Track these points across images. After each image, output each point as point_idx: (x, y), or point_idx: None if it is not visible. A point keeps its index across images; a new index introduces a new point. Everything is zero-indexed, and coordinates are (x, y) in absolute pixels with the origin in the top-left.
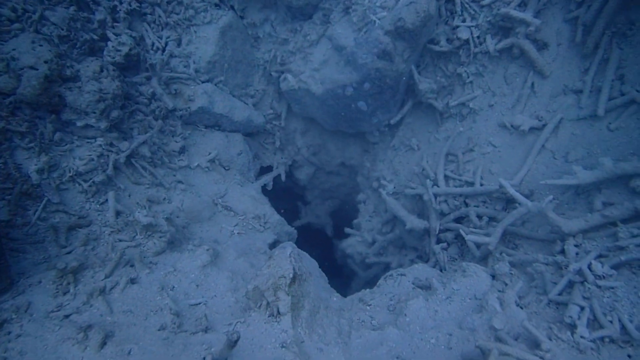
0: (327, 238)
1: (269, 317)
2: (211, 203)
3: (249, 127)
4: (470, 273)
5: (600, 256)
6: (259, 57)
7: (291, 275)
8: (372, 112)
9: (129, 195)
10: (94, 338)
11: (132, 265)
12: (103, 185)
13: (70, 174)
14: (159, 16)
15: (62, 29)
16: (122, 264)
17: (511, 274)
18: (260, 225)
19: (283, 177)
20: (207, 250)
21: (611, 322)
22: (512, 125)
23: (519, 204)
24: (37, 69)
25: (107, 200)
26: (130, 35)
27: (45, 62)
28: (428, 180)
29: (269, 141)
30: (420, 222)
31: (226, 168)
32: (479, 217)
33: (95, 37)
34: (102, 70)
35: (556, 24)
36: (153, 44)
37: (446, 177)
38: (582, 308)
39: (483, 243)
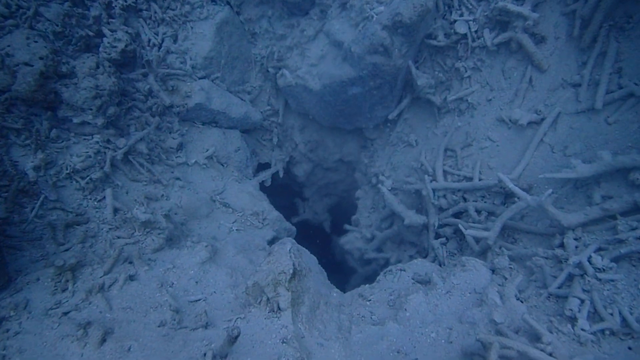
0: (325, 234)
1: (269, 312)
2: (209, 200)
3: (246, 123)
4: (469, 267)
5: (599, 249)
6: (256, 53)
7: (291, 271)
8: (370, 107)
9: (127, 192)
10: (93, 335)
11: (130, 262)
12: (100, 182)
13: (67, 171)
14: (155, 12)
15: (57, 25)
16: (120, 261)
17: (511, 268)
18: (258, 222)
19: (281, 174)
20: (206, 246)
21: (611, 314)
22: (510, 120)
23: (518, 198)
24: (32, 65)
25: (104, 197)
26: (126, 32)
27: (41, 58)
28: (426, 175)
29: (266, 138)
30: (419, 218)
31: (224, 165)
32: (478, 211)
33: (90, 33)
34: (98, 67)
35: (554, 18)
36: (149, 40)
37: (445, 172)
38: (583, 301)
39: (482, 237)
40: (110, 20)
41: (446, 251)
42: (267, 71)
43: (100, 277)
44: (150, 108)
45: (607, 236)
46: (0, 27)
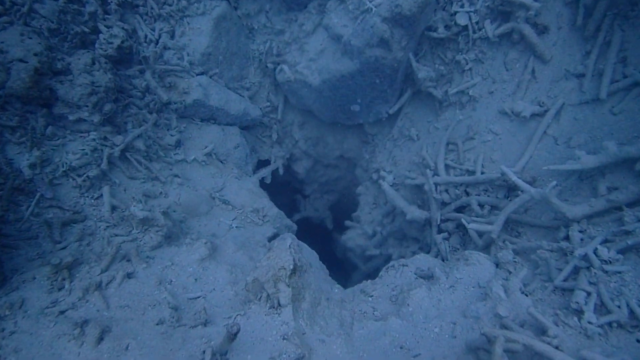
0: (326, 232)
1: (269, 309)
2: (208, 197)
3: (246, 120)
4: (473, 261)
5: (606, 241)
6: (254, 49)
7: (291, 267)
8: (370, 102)
9: (125, 190)
10: (90, 333)
11: (128, 260)
12: (97, 179)
13: (64, 169)
14: (152, 8)
15: (52, 22)
16: (118, 259)
17: (515, 261)
18: (259, 219)
19: (281, 171)
20: (205, 243)
21: (619, 307)
22: (512, 112)
23: (522, 191)
24: (27, 62)
25: (102, 195)
26: (122, 28)
27: (35, 54)
28: (428, 170)
29: (266, 134)
30: (421, 213)
31: (223, 162)
32: (481, 205)
33: (86, 29)
34: (94, 63)
35: (556, 7)
36: (146, 36)
37: (447, 167)
38: (589, 293)
39: (485, 231)
40: (106, 16)
41: (449, 246)
42: (266, 67)
43: (98, 275)
44: (147, 105)
45: (613, 228)
46: None
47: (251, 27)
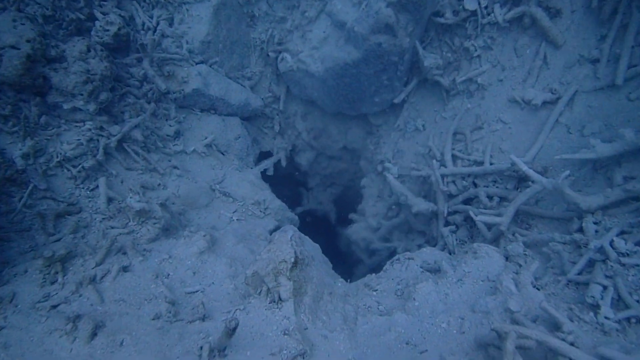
0: (330, 225)
1: (269, 303)
2: (208, 189)
3: (247, 110)
4: (481, 254)
5: (622, 233)
6: (255, 37)
7: (292, 260)
8: (375, 91)
9: (122, 182)
10: (83, 329)
11: (124, 253)
12: (93, 170)
13: (58, 159)
14: None
15: (47, 9)
16: (113, 252)
17: (525, 254)
18: (260, 211)
19: (283, 163)
20: (204, 236)
21: (637, 301)
22: (523, 100)
23: (533, 181)
24: (19, 49)
25: (97, 186)
26: (119, 15)
27: (28, 41)
28: (435, 161)
29: (268, 125)
30: (427, 205)
31: (223, 153)
32: (490, 197)
33: (81, 16)
34: (89, 50)
35: None
36: (144, 24)
37: (454, 157)
38: (605, 287)
39: (494, 224)
40: (103, 2)
41: (456, 239)
42: (268, 56)
43: (92, 268)
44: (145, 94)
45: (630, 219)
46: None
47: (252, 15)
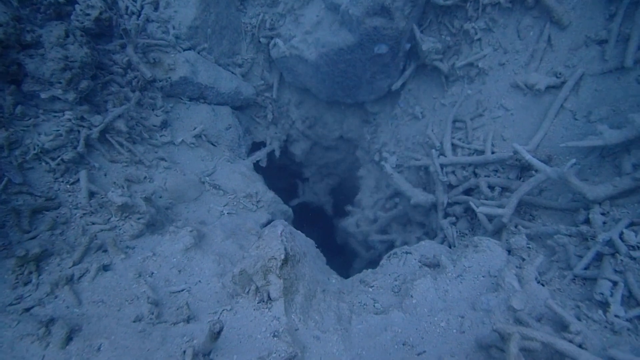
0: (326, 217)
1: (258, 303)
2: (198, 182)
3: (238, 99)
4: (483, 248)
5: (632, 224)
6: (246, 22)
7: (282, 257)
8: (371, 77)
9: (105, 175)
10: (57, 333)
11: (105, 251)
12: (73, 163)
13: (35, 152)
14: None
15: None
16: (93, 249)
17: (529, 247)
18: (252, 204)
19: (277, 153)
20: (191, 231)
21: None
22: (526, 85)
23: (536, 170)
24: None
25: (78, 179)
26: None
27: (0, 25)
28: (434, 150)
29: (260, 115)
30: (426, 196)
31: (214, 144)
32: (491, 187)
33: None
34: (67, 36)
35: None
36: (127, 8)
37: (454, 146)
38: (615, 283)
39: (496, 215)
40: None
41: (456, 231)
42: (259, 42)
43: (69, 267)
44: (129, 82)
45: None
46: None
47: None
